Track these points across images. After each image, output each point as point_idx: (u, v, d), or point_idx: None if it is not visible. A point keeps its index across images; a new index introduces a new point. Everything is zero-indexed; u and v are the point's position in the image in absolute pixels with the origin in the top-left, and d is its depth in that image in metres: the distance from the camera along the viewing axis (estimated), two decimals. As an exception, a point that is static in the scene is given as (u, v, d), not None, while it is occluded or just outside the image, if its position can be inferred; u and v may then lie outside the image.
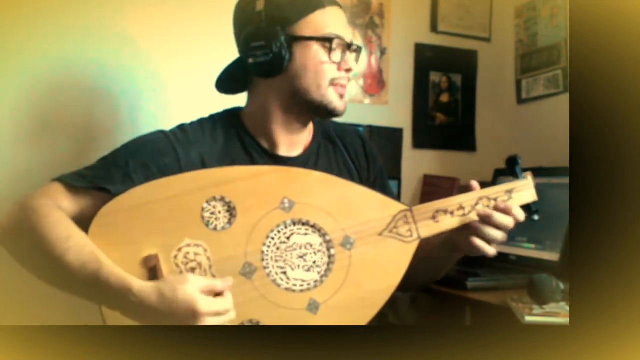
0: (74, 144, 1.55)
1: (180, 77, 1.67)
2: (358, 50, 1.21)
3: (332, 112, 1.17)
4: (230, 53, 1.24)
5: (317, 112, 1.19)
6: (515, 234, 1.63)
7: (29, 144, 1.52)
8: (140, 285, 0.93)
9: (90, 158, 1.13)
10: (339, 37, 1.14)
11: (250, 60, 1.14)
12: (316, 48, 1.13)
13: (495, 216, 1.08)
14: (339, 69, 1.16)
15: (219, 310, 0.94)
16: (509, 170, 1.16)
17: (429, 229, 1.09)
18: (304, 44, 1.13)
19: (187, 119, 1.22)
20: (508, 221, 1.09)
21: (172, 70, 1.66)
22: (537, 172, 1.63)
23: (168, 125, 1.20)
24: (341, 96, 1.17)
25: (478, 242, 1.09)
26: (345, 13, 1.21)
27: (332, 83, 1.15)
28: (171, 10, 1.65)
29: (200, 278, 0.97)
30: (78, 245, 0.96)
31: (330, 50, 1.14)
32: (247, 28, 1.15)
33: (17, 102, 1.50)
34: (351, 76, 1.19)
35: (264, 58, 1.12)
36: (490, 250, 1.10)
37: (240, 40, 1.17)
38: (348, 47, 1.16)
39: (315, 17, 1.13)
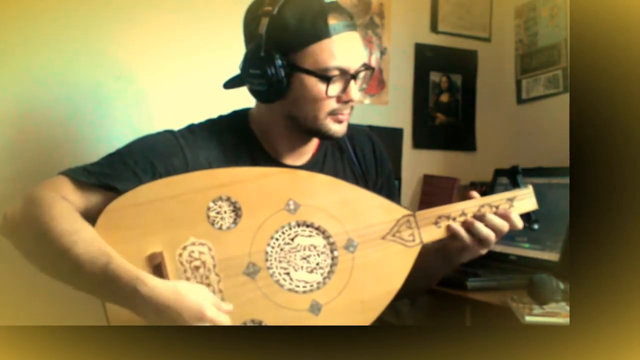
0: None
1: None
2: (369, 70, 1.16)
3: (330, 137, 1.15)
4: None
5: (315, 136, 1.18)
6: (515, 234, 1.63)
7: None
8: (153, 279, 0.93)
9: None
10: (342, 70, 1.08)
11: (248, 86, 1.12)
12: (315, 81, 1.08)
13: (488, 216, 1.09)
14: (338, 100, 1.11)
15: (220, 322, 0.95)
16: (510, 179, 1.17)
17: (431, 234, 1.09)
18: (302, 75, 1.08)
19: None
20: (501, 223, 1.09)
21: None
22: (537, 172, 1.65)
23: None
24: (341, 122, 1.13)
25: (463, 233, 1.08)
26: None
27: (331, 113, 1.12)
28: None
29: (210, 293, 0.98)
30: (86, 239, 0.95)
31: (329, 84, 1.08)
32: (248, 45, 1.12)
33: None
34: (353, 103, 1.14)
35: (259, 87, 1.09)
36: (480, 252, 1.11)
37: (244, 55, 1.14)
38: (353, 76, 1.10)
39: (319, 47, 1.06)
